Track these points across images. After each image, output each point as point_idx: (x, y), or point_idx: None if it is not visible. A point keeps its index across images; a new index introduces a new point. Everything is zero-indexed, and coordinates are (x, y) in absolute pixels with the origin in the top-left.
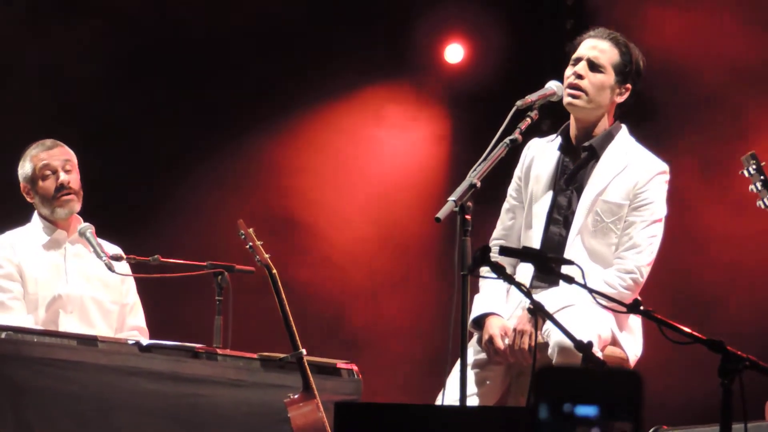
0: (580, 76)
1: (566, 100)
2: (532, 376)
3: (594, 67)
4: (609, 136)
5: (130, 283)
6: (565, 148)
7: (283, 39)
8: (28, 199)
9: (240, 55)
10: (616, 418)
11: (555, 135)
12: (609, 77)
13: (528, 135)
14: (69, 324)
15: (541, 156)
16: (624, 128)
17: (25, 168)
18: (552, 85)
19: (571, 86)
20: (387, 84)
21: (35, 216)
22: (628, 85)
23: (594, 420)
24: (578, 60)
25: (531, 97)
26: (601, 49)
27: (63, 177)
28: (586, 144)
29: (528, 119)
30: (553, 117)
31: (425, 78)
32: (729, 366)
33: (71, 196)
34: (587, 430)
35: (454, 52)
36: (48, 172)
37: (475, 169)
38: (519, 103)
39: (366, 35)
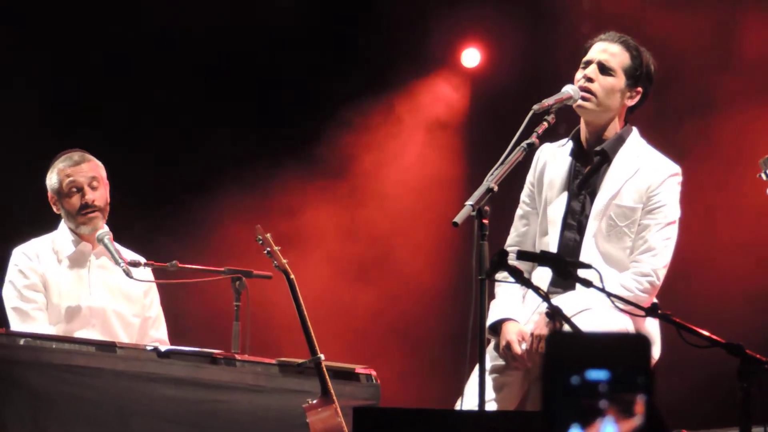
0: (590, 79)
1: (577, 103)
2: None
3: (604, 70)
4: (620, 140)
5: (154, 296)
6: (577, 152)
7: (299, 45)
8: (55, 210)
9: (258, 63)
10: (628, 389)
11: (566, 139)
12: (619, 80)
13: (545, 139)
14: (90, 336)
15: (553, 161)
16: (635, 131)
17: (52, 180)
18: (569, 89)
19: (581, 89)
20: (403, 88)
21: (62, 224)
22: (639, 89)
23: (603, 392)
24: (588, 63)
25: (548, 101)
26: (611, 53)
27: (88, 195)
28: (598, 148)
29: (545, 123)
30: (569, 121)
31: (442, 82)
32: (748, 369)
33: (95, 214)
34: (596, 402)
35: (471, 56)
36: (74, 189)
37: (492, 174)
38: (536, 107)
39: (383, 39)
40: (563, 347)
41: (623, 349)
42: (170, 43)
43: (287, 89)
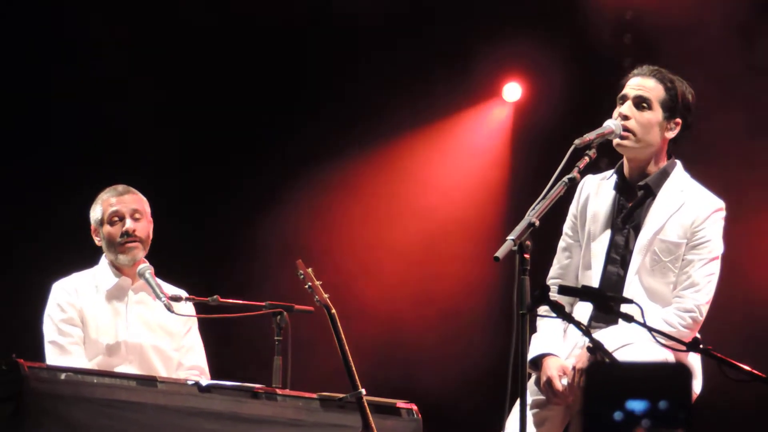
0: (626, 117)
1: (615, 141)
2: None
3: (640, 105)
4: (664, 174)
5: (192, 324)
6: (621, 186)
7: (343, 81)
8: (96, 242)
9: (301, 96)
10: (669, 424)
11: (611, 172)
12: (656, 114)
13: (586, 174)
14: (129, 371)
15: (597, 194)
16: (679, 165)
17: (95, 211)
18: (610, 124)
19: None
20: (445, 122)
21: (103, 259)
22: (678, 120)
23: (645, 427)
24: (624, 99)
25: (589, 136)
26: (646, 87)
27: (129, 224)
28: (642, 183)
29: (586, 158)
30: (611, 155)
31: (483, 116)
32: None
33: (135, 244)
34: None
35: (513, 91)
36: (116, 219)
37: (533, 208)
38: (577, 141)
39: (425, 74)
40: (602, 379)
41: (663, 380)
42: (213, 75)
43: (328, 122)
